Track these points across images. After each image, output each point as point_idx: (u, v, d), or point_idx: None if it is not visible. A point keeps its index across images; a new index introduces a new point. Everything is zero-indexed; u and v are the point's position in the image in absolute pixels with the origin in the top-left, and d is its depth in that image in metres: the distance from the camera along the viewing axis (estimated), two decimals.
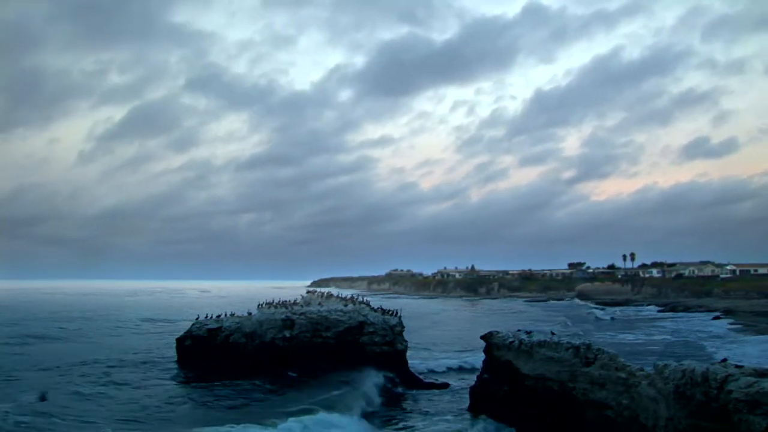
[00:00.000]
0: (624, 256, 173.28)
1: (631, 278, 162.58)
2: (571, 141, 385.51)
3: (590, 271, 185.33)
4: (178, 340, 39.02)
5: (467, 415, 25.78)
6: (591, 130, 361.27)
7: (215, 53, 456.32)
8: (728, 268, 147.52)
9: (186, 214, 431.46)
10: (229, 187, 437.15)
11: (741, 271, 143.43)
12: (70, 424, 23.52)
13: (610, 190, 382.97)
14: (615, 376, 19.27)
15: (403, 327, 36.26)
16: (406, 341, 35.98)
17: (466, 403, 26.88)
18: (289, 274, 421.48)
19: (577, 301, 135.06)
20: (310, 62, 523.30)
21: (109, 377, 34.33)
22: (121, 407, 26.94)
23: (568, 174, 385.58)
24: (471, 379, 29.50)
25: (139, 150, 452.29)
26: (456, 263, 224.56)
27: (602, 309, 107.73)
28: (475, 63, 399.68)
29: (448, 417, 25.98)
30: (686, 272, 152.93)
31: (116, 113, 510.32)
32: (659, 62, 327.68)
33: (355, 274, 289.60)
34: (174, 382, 33.78)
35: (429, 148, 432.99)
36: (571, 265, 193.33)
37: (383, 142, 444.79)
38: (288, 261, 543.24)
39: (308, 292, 61.00)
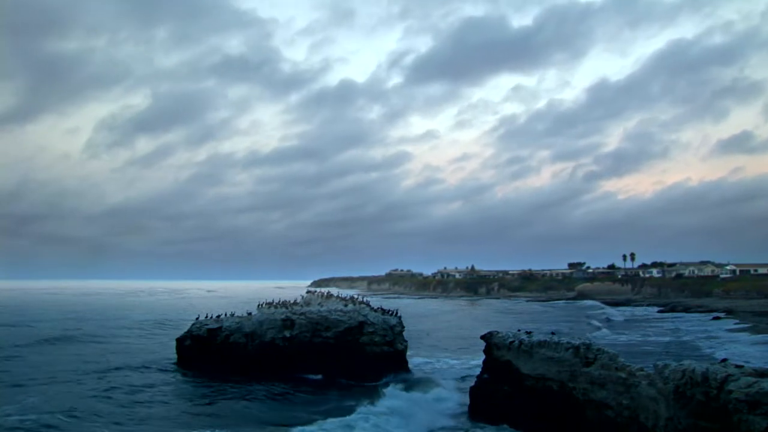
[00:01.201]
0: (624, 256, 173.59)
1: (631, 278, 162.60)
2: (617, 135, 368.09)
3: (590, 271, 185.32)
4: (177, 340, 39.08)
5: (467, 415, 25.76)
6: (636, 124, 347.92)
7: (260, 38, 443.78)
8: (728, 268, 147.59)
9: (195, 212, 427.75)
10: (246, 184, 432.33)
11: (741, 271, 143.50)
12: (69, 426, 23.50)
13: (637, 187, 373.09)
14: (615, 376, 19.26)
15: (403, 327, 36.27)
16: (406, 341, 36.00)
17: (467, 403, 26.84)
18: (292, 273, 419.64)
19: (592, 301, 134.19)
20: (370, 47, 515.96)
21: (108, 378, 34.27)
22: (119, 408, 26.89)
23: (598, 170, 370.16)
24: (471, 379, 29.46)
25: (160, 143, 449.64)
26: (456, 263, 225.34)
27: (616, 309, 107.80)
28: (546, 50, 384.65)
29: (448, 417, 25.96)
30: (686, 272, 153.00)
31: (140, 103, 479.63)
32: (733, 51, 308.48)
33: (356, 275, 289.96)
34: (173, 383, 33.73)
35: (469, 141, 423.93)
36: (571, 265, 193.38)
37: (425, 137, 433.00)
38: (292, 260, 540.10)
39: (308, 292, 60.90)
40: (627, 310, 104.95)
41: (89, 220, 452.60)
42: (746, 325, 64.84)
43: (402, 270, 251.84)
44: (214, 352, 36.72)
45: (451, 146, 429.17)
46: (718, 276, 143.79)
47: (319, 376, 34.03)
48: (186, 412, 26.61)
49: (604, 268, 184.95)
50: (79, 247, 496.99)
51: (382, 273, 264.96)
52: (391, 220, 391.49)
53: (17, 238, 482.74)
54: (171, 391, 31.26)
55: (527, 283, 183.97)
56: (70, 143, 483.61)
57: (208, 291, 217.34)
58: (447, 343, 51.94)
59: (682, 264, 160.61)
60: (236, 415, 26.12)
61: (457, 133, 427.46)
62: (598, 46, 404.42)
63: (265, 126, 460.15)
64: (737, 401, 14.37)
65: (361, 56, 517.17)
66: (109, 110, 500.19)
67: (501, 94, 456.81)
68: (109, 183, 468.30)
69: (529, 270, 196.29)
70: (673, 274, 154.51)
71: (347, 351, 34.73)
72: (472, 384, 26.89)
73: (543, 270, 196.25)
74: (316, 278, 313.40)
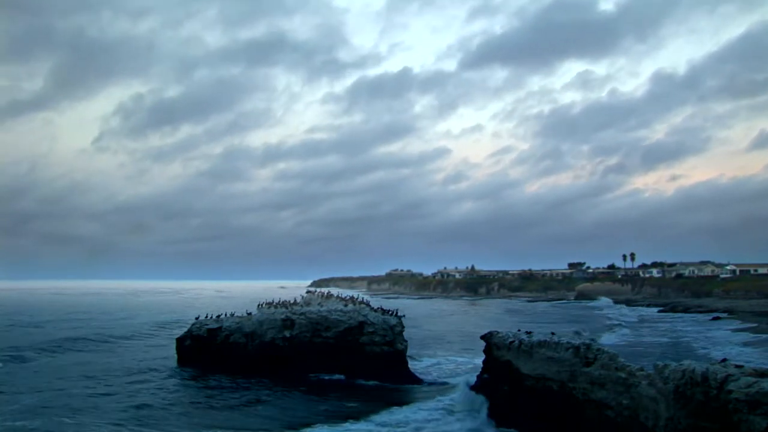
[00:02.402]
0: (624, 256, 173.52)
1: (631, 278, 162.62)
2: (662, 129, 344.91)
3: (590, 271, 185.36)
4: (178, 339, 39.14)
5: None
6: (685, 118, 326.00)
7: (327, 23, 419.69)
8: (728, 268, 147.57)
9: (207, 209, 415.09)
10: (261, 180, 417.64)
11: (741, 271, 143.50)
12: (68, 427, 23.50)
13: (662, 184, 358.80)
14: (615, 376, 19.25)
15: (403, 327, 36.24)
16: (406, 341, 35.97)
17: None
18: (295, 273, 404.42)
19: (608, 300, 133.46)
20: (441, 27, 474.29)
21: (109, 378, 34.33)
22: (120, 409, 26.89)
23: (629, 166, 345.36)
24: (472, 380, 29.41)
25: (185, 135, 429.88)
26: (456, 263, 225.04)
27: (630, 308, 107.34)
28: (624, 37, 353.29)
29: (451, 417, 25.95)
30: (686, 272, 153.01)
31: (169, 91, 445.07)
32: None
33: (355, 275, 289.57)
34: (173, 382, 33.72)
35: (515, 133, 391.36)
36: (571, 265, 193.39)
37: (471, 130, 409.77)
38: (296, 260, 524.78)
39: (308, 292, 60.92)
40: (641, 311, 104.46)
41: (95, 218, 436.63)
42: (746, 325, 64.86)
43: (402, 270, 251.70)
44: (214, 352, 36.73)
45: (495, 139, 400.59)
46: (718, 276, 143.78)
47: (319, 376, 34.03)
48: (186, 412, 26.59)
49: (604, 268, 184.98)
50: (83, 246, 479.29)
51: (382, 273, 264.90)
52: (404, 220, 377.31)
53: (20, 237, 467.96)
54: (171, 390, 31.23)
55: (527, 283, 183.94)
56: (89, 133, 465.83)
57: (217, 291, 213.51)
58: (456, 344, 51.70)
59: (682, 264, 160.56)
60: (236, 416, 26.12)
61: (506, 123, 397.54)
62: (678, 36, 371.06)
63: (303, 118, 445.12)
64: (737, 401, 14.36)
65: (430, 39, 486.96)
66: (129, 99, 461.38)
67: (564, 81, 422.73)
68: (121, 179, 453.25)
69: (529, 270, 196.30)
70: (673, 274, 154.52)
71: (347, 351, 34.74)
72: (473, 384, 26.92)
73: (543, 270, 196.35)
74: (316, 278, 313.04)
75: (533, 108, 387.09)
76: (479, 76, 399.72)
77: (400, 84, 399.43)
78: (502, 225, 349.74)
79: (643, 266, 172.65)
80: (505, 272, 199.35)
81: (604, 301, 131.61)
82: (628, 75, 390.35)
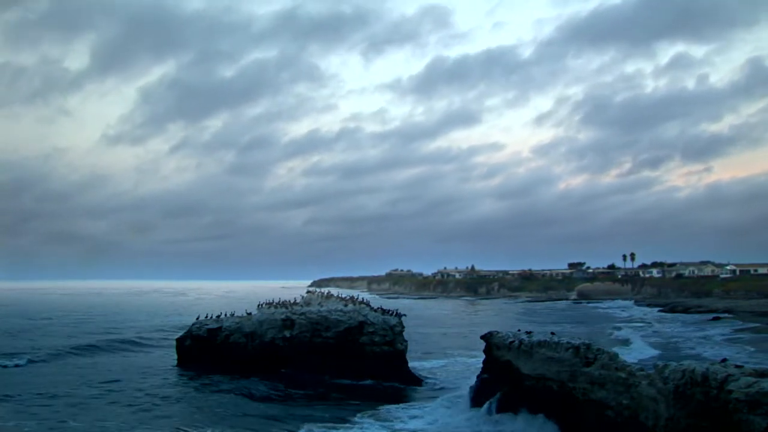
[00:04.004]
0: (624, 256, 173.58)
1: (631, 278, 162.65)
2: (731, 120, 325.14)
3: (590, 271, 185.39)
4: (177, 340, 39.15)
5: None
6: (758, 110, 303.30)
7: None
8: (728, 268, 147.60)
9: (221, 207, 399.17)
10: (286, 176, 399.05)
11: (741, 271, 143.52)
12: (68, 428, 23.50)
13: (698, 180, 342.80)
14: (615, 376, 19.25)
15: (403, 327, 36.25)
16: (406, 341, 35.99)
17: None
18: (301, 273, 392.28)
19: (620, 301, 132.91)
20: (543, 7, 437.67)
21: (109, 378, 34.34)
22: (120, 409, 26.91)
23: (668, 163, 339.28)
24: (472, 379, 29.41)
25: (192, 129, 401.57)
26: (456, 263, 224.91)
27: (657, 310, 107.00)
28: (735, 16, 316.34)
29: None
30: (686, 272, 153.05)
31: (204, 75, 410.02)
32: None
33: (355, 274, 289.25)
34: (173, 383, 33.76)
35: (574, 125, 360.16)
36: (571, 265, 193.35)
37: (531, 123, 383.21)
38: (305, 259, 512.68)
39: (308, 292, 60.93)
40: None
41: (104, 215, 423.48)
42: (747, 326, 64.85)
43: (402, 270, 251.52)
44: (214, 352, 36.73)
45: (553, 129, 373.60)
46: (718, 276, 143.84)
47: (319, 377, 34.01)
48: (186, 412, 26.60)
49: (604, 268, 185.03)
50: (89, 245, 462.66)
51: (383, 273, 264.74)
52: (417, 219, 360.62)
53: (24, 236, 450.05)
54: (170, 391, 31.25)
55: (527, 283, 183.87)
56: (107, 124, 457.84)
57: (225, 292, 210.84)
58: (463, 344, 51.39)
59: (682, 264, 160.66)
60: (236, 416, 26.11)
61: (572, 112, 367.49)
62: None
63: (357, 108, 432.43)
64: (737, 401, 14.36)
65: (534, 17, 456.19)
66: (153, 87, 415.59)
67: (659, 63, 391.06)
68: (137, 172, 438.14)
69: (529, 270, 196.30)
70: (673, 274, 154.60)
71: (347, 351, 34.74)
72: (472, 384, 26.93)
73: (543, 270, 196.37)
74: (316, 278, 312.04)
75: (608, 93, 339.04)
76: (569, 58, 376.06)
77: (474, 70, 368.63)
78: (511, 224, 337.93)
79: (643, 266, 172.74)
80: (505, 272, 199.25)
81: (622, 302, 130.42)
82: (724, 61, 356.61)
